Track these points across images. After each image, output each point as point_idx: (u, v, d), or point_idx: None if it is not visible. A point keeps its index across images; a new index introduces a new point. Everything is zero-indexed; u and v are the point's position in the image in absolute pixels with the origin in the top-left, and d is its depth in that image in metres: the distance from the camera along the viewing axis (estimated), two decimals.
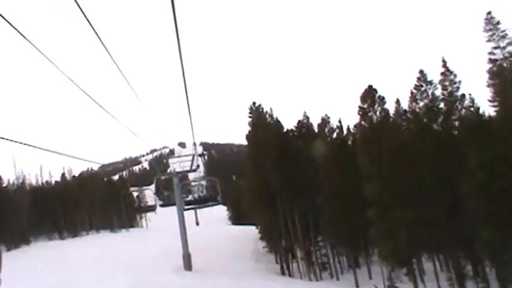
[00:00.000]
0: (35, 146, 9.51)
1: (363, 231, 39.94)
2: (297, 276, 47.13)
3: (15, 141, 8.58)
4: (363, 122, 35.98)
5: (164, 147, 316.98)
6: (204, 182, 50.97)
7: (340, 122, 45.88)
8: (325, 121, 45.48)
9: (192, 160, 45.45)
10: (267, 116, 49.37)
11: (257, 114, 48.82)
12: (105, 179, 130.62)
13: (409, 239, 33.29)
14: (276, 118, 49.73)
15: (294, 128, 50.41)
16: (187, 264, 39.63)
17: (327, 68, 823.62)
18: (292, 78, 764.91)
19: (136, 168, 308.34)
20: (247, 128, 50.88)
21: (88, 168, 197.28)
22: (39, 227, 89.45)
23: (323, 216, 44.30)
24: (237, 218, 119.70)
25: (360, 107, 35.88)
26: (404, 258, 34.03)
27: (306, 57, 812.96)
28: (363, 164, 34.74)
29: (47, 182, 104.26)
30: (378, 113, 35.61)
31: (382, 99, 35.76)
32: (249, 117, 49.26)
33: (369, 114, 35.59)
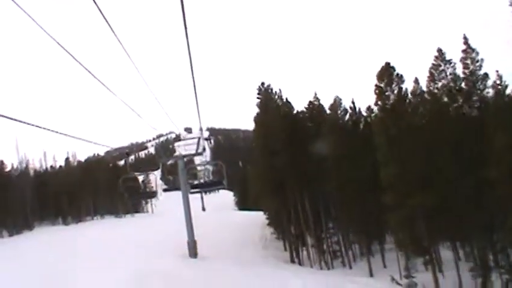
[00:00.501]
0: (40, 127, 9.15)
1: (377, 218, 38.11)
2: (307, 265, 45.36)
3: (21, 121, 8.17)
4: (379, 102, 33.76)
5: (170, 133, 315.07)
6: (210, 167, 49.54)
7: (353, 103, 43.70)
8: (337, 102, 43.19)
9: (198, 143, 43.43)
10: (276, 97, 47.21)
11: (266, 96, 46.64)
12: (110, 165, 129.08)
13: (428, 226, 31.37)
14: (286, 99, 47.59)
15: (304, 110, 48.33)
16: (193, 252, 37.95)
17: (339, 47, 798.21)
18: (303, 59, 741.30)
19: (142, 153, 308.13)
20: (255, 111, 48.90)
21: (94, 154, 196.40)
22: (43, 212, 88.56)
23: (335, 202, 42.44)
24: (244, 204, 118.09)
25: (376, 85, 33.65)
26: (423, 247, 32.09)
27: (317, 37, 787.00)
28: (379, 147, 32.65)
29: (51, 167, 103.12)
30: (395, 92, 33.38)
31: (400, 78, 33.52)
32: (258, 98, 47.15)
33: (386, 93, 33.38)
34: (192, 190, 38.40)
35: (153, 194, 43.65)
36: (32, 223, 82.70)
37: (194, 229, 37.73)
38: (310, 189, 42.21)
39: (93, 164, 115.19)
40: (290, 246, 46.83)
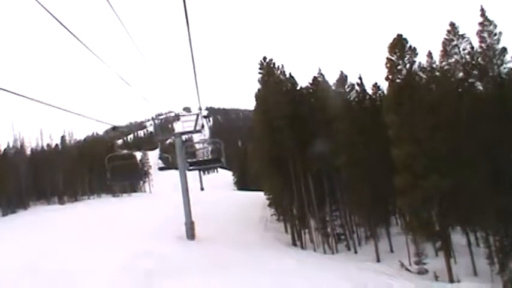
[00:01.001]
0: (39, 101, 8.55)
1: (386, 200, 36.10)
2: (310, 248, 43.39)
3: (18, 94, 7.64)
4: (390, 77, 31.29)
5: (169, 112, 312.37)
6: (208, 146, 47.87)
7: (360, 78, 40.93)
8: (342, 78, 40.53)
9: (196, 120, 41.09)
10: (279, 72, 44.57)
11: (268, 70, 44.03)
12: (109, 144, 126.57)
13: (441, 210, 29.30)
14: (290, 74, 44.91)
15: (308, 85, 45.69)
16: (190, 233, 36.19)
17: (344, 21, 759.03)
18: (305, 35, 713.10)
19: (141, 132, 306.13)
20: (257, 87, 46.50)
21: (93, 133, 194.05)
22: (39, 191, 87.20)
23: (340, 183, 40.27)
24: (243, 184, 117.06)
25: (387, 58, 31.10)
26: (435, 232, 30.02)
27: (320, 11, 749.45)
28: (391, 125, 30.31)
29: (48, 145, 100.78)
30: (407, 66, 30.91)
31: (413, 51, 30.98)
32: (259, 73, 44.56)
33: (398, 67, 30.90)
34: (190, 167, 37.03)
35: (135, 176, 39.88)
36: (27, 202, 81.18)
37: (192, 209, 35.84)
38: (314, 168, 39.88)
39: (90, 142, 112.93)
40: (292, 229, 44.59)
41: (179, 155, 37.70)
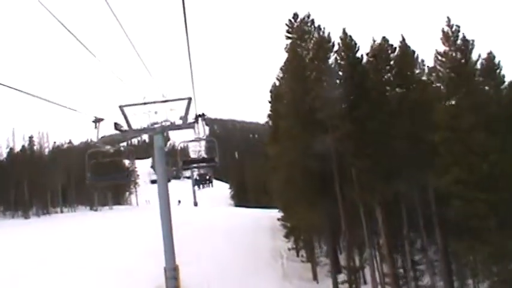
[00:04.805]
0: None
1: None
2: None
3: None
4: None
5: (165, 120, 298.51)
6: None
7: (466, 39, 21.99)
8: (449, 33, 21.29)
9: (187, 111, 24.29)
10: (321, 33, 26.51)
11: (302, 32, 26.28)
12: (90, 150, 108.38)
13: None
14: (344, 31, 25.19)
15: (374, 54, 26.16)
16: (172, 285, 19.81)
17: None
18: None
19: (135, 140, 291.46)
20: (284, 56, 29.46)
21: (87, 140, 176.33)
22: (3, 202, 72.29)
23: (425, 218, 22.82)
24: (241, 198, 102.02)
25: None
26: None
27: None
28: None
29: (22, 147, 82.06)
30: None
31: None
32: (288, 37, 26.91)
33: None
34: (184, 167, 31.57)
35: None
36: None
37: (180, 234, 21.52)
38: (389, 194, 21.67)
39: (65, 147, 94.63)
40: (334, 281, 26.02)
41: (158, 159, 21.74)
